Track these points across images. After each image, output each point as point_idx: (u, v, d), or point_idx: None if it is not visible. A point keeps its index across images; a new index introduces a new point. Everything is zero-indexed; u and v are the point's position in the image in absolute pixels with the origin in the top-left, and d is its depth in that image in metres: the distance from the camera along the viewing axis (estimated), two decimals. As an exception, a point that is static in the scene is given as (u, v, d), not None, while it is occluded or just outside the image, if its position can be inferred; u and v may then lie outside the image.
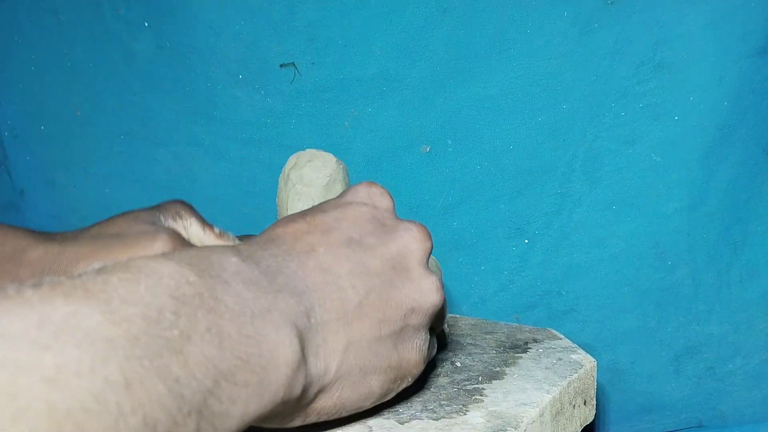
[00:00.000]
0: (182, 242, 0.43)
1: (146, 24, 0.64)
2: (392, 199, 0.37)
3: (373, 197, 0.37)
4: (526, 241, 0.63)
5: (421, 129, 0.62)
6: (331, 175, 0.47)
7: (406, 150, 0.62)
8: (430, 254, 0.36)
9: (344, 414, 0.33)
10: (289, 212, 0.48)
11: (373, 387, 0.33)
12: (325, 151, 0.65)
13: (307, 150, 0.49)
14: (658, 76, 0.57)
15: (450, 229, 0.64)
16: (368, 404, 0.33)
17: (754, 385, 0.61)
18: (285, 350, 0.27)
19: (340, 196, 0.37)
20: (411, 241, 0.35)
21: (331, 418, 0.32)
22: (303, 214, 0.34)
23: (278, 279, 0.29)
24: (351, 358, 0.31)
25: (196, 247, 0.33)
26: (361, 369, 0.31)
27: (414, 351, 0.34)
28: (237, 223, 0.67)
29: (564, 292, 0.63)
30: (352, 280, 0.31)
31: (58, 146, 0.70)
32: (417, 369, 0.35)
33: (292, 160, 0.49)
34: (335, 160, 0.48)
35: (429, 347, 0.36)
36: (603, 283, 0.62)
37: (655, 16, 0.56)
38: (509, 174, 0.62)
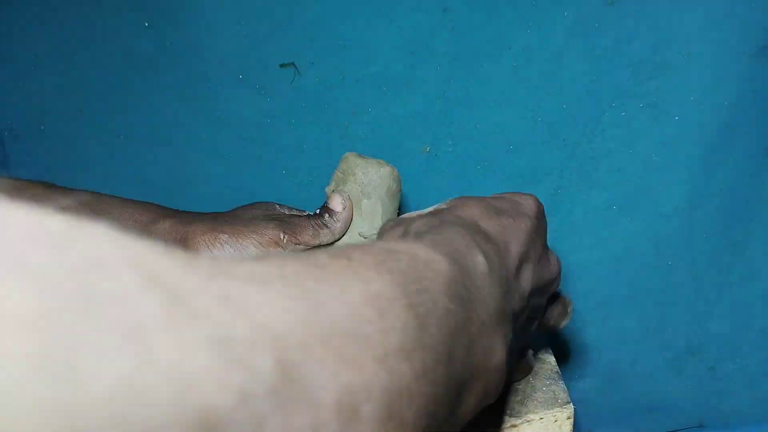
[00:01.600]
0: (288, 227, 0.45)
1: (146, 24, 0.64)
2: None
3: (541, 217, 0.39)
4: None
5: (421, 129, 0.62)
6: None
7: (406, 150, 0.62)
8: None
9: None
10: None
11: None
12: (325, 151, 0.66)
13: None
14: (658, 76, 0.57)
15: (450, 229, 0.64)
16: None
17: (755, 384, 0.61)
18: (501, 362, 0.28)
19: (512, 200, 0.38)
20: (557, 274, 0.40)
21: None
22: (486, 206, 0.35)
23: (503, 278, 0.30)
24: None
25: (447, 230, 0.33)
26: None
27: (527, 362, 0.42)
28: (237, 223, 0.67)
29: (564, 293, 0.63)
30: (529, 298, 0.34)
31: (58, 146, 0.70)
32: (518, 377, 0.42)
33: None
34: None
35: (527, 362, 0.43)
36: (603, 284, 0.62)
37: (655, 16, 0.56)
38: (508, 174, 0.62)
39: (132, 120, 0.67)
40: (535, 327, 0.40)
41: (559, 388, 0.41)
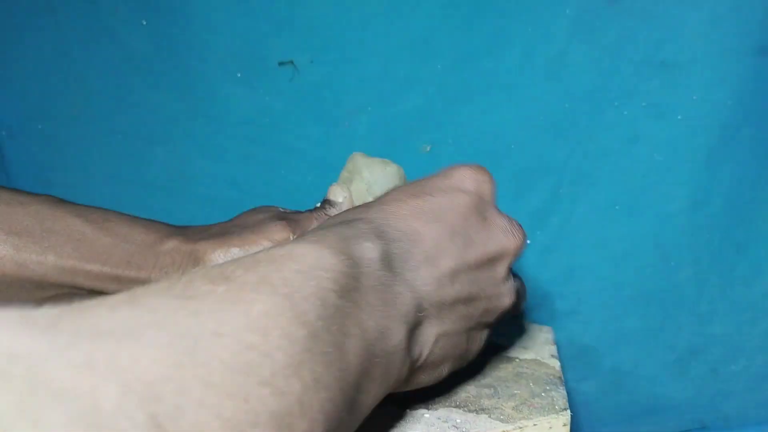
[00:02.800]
0: (295, 226, 0.46)
1: (144, 23, 0.63)
2: (495, 185, 0.37)
3: (480, 186, 0.36)
4: (527, 241, 0.63)
5: (421, 128, 0.62)
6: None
7: (406, 149, 0.62)
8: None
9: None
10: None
11: (443, 372, 0.35)
12: (325, 151, 0.65)
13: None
14: (660, 75, 0.57)
15: (450, 229, 0.63)
16: (432, 383, 0.35)
17: (758, 386, 0.61)
18: (401, 345, 0.28)
19: (444, 175, 0.36)
20: (509, 245, 0.35)
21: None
22: (411, 193, 0.34)
23: (396, 269, 0.30)
24: (437, 348, 0.32)
25: (331, 222, 0.33)
26: (441, 358, 0.33)
27: (479, 343, 0.37)
28: (236, 224, 0.67)
29: (566, 293, 0.63)
30: (453, 277, 0.32)
31: (57, 146, 0.70)
32: (474, 357, 0.38)
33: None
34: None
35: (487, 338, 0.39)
36: (605, 284, 0.62)
37: (657, 14, 0.56)
38: (509, 173, 0.61)
39: (131, 119, 0.67)
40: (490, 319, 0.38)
41: (559, 394, 0.40)
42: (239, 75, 0.63)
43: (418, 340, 0.31)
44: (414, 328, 0.30)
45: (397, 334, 0.28)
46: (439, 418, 0.37)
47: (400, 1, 0.59)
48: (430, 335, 0.31)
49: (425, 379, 0.34)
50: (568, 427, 0.38)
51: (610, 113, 0.58)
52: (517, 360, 0.47)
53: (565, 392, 0.41)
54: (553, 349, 0.49)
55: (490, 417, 0.37)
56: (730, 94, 0.56)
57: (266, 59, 0.62)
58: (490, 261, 0.34)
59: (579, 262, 0.62)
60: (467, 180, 0.36)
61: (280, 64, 0.62)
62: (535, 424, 0.37)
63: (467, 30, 0.59)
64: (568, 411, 0.38)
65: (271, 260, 0.24)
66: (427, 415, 0.37)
